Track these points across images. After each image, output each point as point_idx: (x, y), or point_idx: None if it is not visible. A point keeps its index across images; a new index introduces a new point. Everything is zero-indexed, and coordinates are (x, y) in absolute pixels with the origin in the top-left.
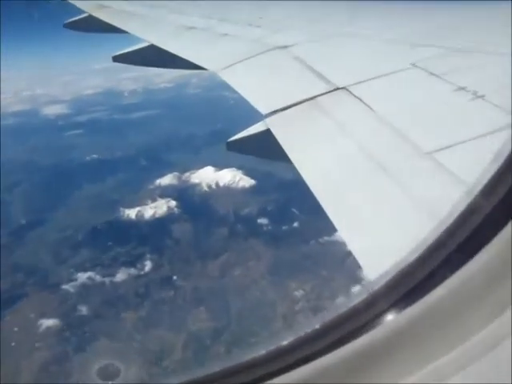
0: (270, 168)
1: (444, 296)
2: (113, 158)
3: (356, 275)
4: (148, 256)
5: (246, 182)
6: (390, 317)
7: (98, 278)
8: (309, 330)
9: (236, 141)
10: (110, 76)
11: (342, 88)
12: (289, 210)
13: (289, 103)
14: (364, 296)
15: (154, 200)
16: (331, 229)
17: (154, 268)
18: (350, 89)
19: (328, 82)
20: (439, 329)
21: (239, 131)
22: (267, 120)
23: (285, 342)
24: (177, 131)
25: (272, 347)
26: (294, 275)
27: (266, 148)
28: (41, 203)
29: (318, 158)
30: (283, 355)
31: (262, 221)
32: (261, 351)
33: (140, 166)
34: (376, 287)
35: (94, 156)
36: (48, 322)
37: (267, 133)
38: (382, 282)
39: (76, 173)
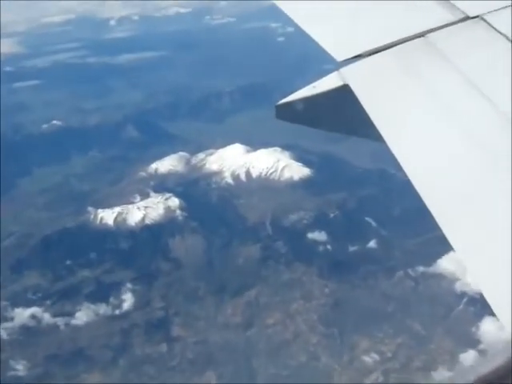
0: (337, 150)
1: None
2: (84, 127)
3: (470, 334)
4: (128, 286)
5: (296, 170)
6: None
7: (46, 317)
8: None
9: (290, 104)
10: None
11: (474, 17)
12: (361, 218)
13: (385, 42)
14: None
15: (144, 196)
16: (433, 252)
17: (138, 306)
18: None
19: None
20: None
21: (293, 89)
22: (343, 71)
23: None
24: (189, 85)
25: None
26: (363, 328)
27: (337, 115)
28: None
29: (426, 135)
30: None
31: (317, 236)
32: None
33: (127, 141)
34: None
35: (55, 123)
36: None
37: (341, 91)
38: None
39: (26, 149)
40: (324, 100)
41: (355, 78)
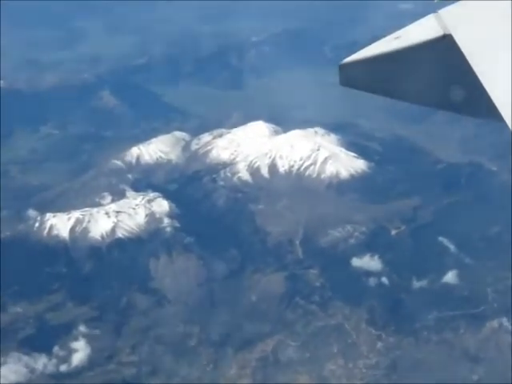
0: (413, 133)
1: None
2: (36, 90)
3: None
4: (82, 330)
5: (346, 164)
6: None
7: None
8: None
9: (362, 63)
10: None
11: None
12: (436, 239)
13: None
14: None
15: (117, 195)
16: None
17: (95, 360)
18: None
19: None
20: None
21: (352, 39)
22: (443, 15)
23: None
24: (196, 31)
25: None
26: None
27: (432, 76)
28: None
29: None
30: None
31: (369, 264)
32: None
33: (98, 112)
34: None
35: None
36: None
37: (440, 42)
38: None
39: None
40: (415, 55)
41: (460, 25)
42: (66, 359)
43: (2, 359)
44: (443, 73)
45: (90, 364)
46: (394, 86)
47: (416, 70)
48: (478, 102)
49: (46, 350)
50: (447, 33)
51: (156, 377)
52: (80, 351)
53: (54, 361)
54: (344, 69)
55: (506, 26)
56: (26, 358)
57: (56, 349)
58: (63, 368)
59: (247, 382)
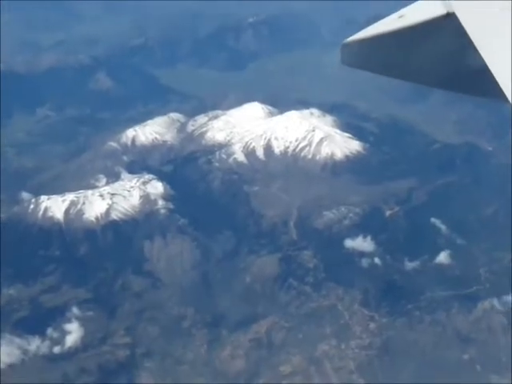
0: (409, 114)
1: None
2: (32, 72)
3: None
4: (76, 312)
5: (341, 145)
6: None
7: None
8: None
9: (365, 42)
10: None
11: None
12: (428, 220)
13: None
14: None
15: (112, 177)
16: None
17: (89, 341)
18: None
19: None
20: None
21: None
22: None
23: None
24: (194, 11)
25: None
26: None
27: (435, 55)
28: None
29: None
30: None
31: (361, 245)
32: None
33: (94, 94)
34: None
35: None
36: None
37: (443, 22)
38: None
39: None
40: (418, 34)
41: (463, 3)
42: (59, 341)
43: None
44: (446, 52)
45: (84, 346)
46: (396, 65)
47: (419, 48)
48: (480, 80)
49: (40, 331)
50: (450, 11)
51: (150, 358)
52: (74, 333)
53: (48, 342)
54: (347, 48)
55: (509, 4)
56: (19, 340)
57: (50, 331)
58: (56, 350)
59: (241, 363)
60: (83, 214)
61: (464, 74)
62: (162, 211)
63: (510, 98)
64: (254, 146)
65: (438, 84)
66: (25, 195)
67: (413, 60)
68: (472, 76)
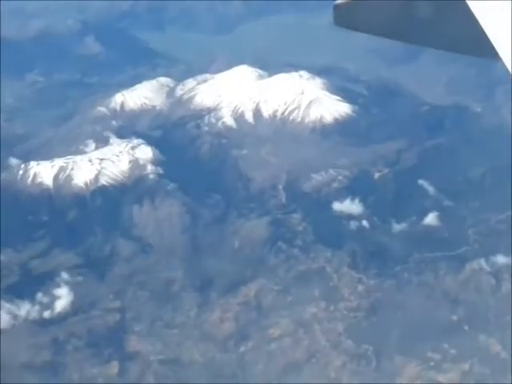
0: (398, 75)
1: None
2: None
3: None
4: (65, 277)
5: (330, 108)
6: None
7: None
8: None
9: (356, 3)
10: None
11: None
12: (416, 181)
13: None
14: None
15: (101, 142)
16: None
17: (79, 306)
18: None
19: None
20: None
21: None
22: None
23: None
24: None
25: None
26: (412, 346)
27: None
28: None
29: None
30: None
31: (349, 207)
32: None
33: (82, 58)
34: None
35: None
36: None
37: None
38: None
39: None
40: None
41: None
42: (49, 306)
43: None
44: (442, 12)
45: (74, 310)
46: (389, 24)
47: (412, 7)
48: (471, 38)
49: (30, 297)
50: None
51: (140, 322)
52: (63, 298)
53: (37, 307)
54: (339, 9)
55: None
56: (9, 305)
57: (39, 296)
58: (46, 314)
59: (230, 326)
60: (72, 179)
61: (455, 32)
62: (151, 176)
63: (503, 60)
64: (242, 110)
65: (430, 43)
66: (13, 161)
67: (405, 19)
68: (463, 34)
